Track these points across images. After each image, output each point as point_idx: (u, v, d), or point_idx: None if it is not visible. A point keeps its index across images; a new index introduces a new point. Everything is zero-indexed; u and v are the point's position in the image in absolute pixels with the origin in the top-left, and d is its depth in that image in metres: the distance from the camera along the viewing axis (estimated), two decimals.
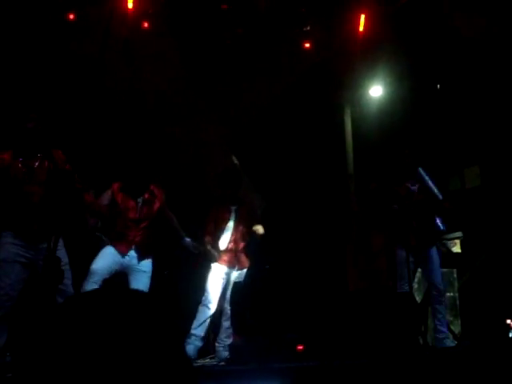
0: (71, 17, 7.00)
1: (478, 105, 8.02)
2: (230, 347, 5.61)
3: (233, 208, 6.36)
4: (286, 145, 8.22)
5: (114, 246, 5.64)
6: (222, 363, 5.54)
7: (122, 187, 5.82)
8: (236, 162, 8.15)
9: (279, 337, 5.31)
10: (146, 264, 5.73)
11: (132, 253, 5.65)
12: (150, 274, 5.74)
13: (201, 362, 5.86)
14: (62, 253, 4.94)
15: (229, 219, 6.31)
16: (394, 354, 5.09)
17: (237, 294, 6.06)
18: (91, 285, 5.24)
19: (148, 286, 5.69)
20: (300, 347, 5.29)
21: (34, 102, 5.39)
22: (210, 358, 6.01)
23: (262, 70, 8.04)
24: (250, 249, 6.29)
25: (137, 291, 1.19)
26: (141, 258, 5.67)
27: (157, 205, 5.86)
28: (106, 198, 5.77)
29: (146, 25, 7.38)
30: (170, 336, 1.11)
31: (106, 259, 5.58)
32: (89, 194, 5.34)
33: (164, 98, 7.88)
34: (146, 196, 5.83)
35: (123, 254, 5.61)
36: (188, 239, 6.03)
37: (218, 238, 6.25)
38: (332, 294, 6.17)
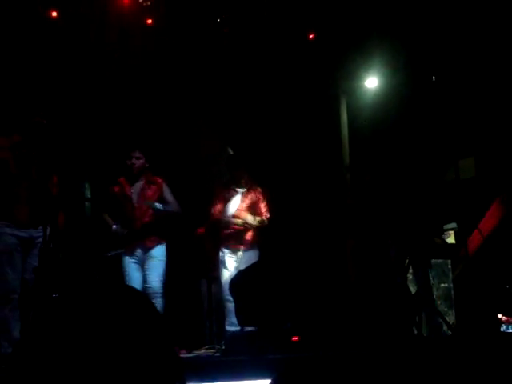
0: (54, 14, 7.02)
1: (473, 96, 8.02)
2: (225, 338, 5.64)
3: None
4: (281, 136, 8.22)
5: (125, 252, 5.81)
6: (218, 354, 5.57)
7: (119, 182, 5.92)
8: (231, 153, 8.15)
9: (274, 327, 5.33)
10: (157, 251, 5.90)
11: (138, 248, 5.79)
12: (162, 259, 5.91)
13: (196, 352, 5.89)
14: None
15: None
16: (388, 345, 5.13)
17: (238, 284, 6.10)
18: None
19: (162, 271, 5.85)
20: (295, 338, 5.32)
21: (39, 98, 5.40)
22: (206, 349, 6.04)
23: (256, 61, 8.03)
24: None
25: (126, 287, 1.21)
26: (147, 248, 5.81)
27: (156, 193, 5.95)
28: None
29: (148, 21, 7.40)
30: (157, 329, 1.14)
31: (128, 267, 5.84)
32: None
33: (157, 91, 7.89)
34: (144, 184, 5.92)
35: (132, 254, 5.77)
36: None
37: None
38: (326, 285, 6.19)
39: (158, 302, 5.79)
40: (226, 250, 6.36)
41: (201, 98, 8.21)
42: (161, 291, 5.86)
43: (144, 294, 1.21)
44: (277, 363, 4.33)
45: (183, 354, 5.58)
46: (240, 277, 6.01)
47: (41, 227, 4.86)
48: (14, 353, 1.10)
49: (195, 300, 6.92)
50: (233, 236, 6.35)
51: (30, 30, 7.02)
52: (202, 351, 6.00)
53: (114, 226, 5.96)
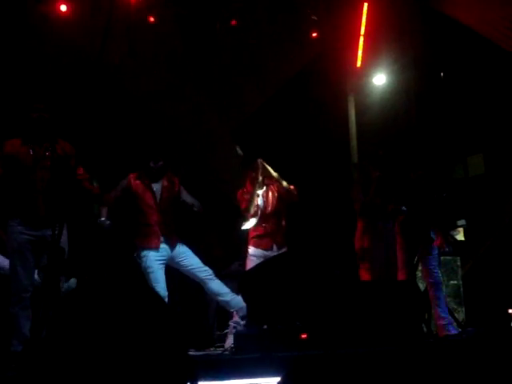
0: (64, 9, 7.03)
1: (481, 93, 8.00)
2: (234, 336, 5.63)
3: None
4: (289, 135, 8.22)
5: (146, 244, 5.70)
6: (226, 352, 5.57)
7: (139, 176, 5.85)
8: (240, 152, 8.16)
9: (283, 325, 5.33)
10: (182, 248, 5.84)
11: (163, 245, 5.71)
12: (191, 251, 5.86)
13: (205, 351, 5.88)
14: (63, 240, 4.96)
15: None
16: (397, 342, 5.11)
17: (247, 283, 6.08)
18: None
19: (199, 261, 5.82)
20: (304, 336, 5.30)
21: (41, 92, 5.41)
22: (215, 347, 6.04)
23: (265, 59, 8.03)
24: None
25: (139, 286, 1.21)
26: (172, 246, 5.75)
27: (175, 191, 5.91)
28: (119, 188, 5.79)
29: (151, 19, 7.40)
30: (169, 328, 1.14)
31: (154, 265, 5.68)
32: (93, 185, 5.36)
33: (166, 90, 7.89)
34: (165, 184, 5.88)
35: (156, 247, 5.68)
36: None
37: None
38: (335, 282, 6.18)
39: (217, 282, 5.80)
40: (257, 251, 6.32)
41: (209, 97, 8.22)
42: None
43: (157, 293, 1.20)
44: (286, 361, 4.32)
45: (192, 353, 5.58)
46: (249, 275, 6.00)
47: (57, 226, 4.83)
48: (24, 351, 1.10)
49: (204, 298, 6.92)
50: (266, 236, 6.35)
51: (35, 27, 7.04)
52: (211, 349, 5.99)
53: (103, 219, 5.78)
